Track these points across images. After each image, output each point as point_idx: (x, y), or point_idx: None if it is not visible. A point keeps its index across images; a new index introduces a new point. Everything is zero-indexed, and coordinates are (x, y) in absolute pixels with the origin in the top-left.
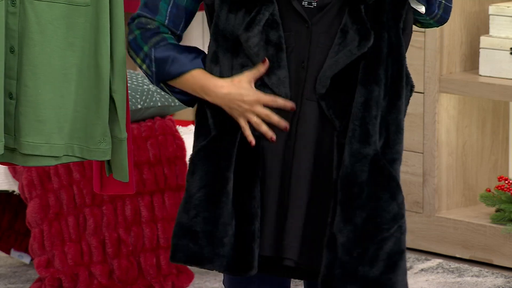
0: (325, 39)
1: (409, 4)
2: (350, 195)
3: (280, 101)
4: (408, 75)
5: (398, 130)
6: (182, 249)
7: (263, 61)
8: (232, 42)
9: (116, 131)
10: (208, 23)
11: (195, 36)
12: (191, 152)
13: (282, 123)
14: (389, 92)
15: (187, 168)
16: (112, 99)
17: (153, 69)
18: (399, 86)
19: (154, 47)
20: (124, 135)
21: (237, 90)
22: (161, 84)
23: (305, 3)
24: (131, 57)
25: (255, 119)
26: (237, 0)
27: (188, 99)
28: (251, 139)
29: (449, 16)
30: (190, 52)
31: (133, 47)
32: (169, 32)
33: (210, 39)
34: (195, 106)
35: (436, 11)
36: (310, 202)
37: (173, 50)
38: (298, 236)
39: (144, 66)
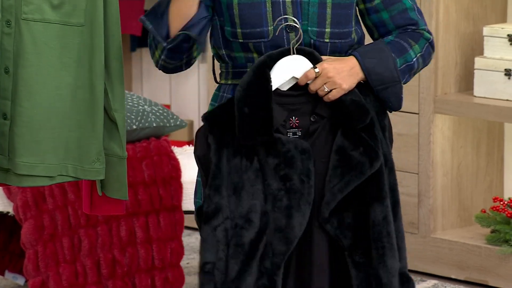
0: (321, 165)
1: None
2: None
3: None
4: None
5: (402, 236)
6: None
7: None
8: (234, 186)
9: (117, 149)
10: (202, 176)
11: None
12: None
13: None
14: (390, 201)
15: (200, 245)
16: (111, 118)
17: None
18: (396, 193)
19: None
20: (125, 153)
21: None
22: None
23: (289, 135)
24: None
25: None
26: (235, 149)
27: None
28: None
29: (431, 58)
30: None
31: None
32: None
33: (208, 190)
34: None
35: (419, 65)
36: None
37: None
38: None
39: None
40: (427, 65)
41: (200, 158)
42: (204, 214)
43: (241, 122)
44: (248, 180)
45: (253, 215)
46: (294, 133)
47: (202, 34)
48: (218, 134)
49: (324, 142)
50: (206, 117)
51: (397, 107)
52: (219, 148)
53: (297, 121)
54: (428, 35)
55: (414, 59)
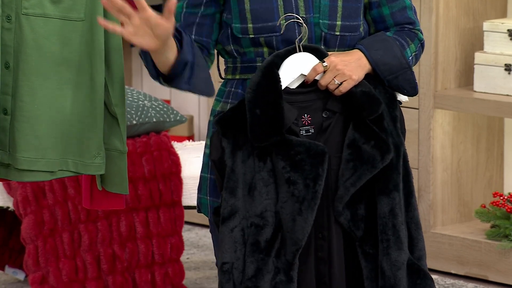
0: (335, 160)
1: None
2: None
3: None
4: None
5: (417, 226)
6: None
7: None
8: (248, 186)
9: (118, 144)
10: (218, 178)
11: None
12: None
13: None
14: (403, 192)
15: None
16: (112, 113)
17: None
18: (409, 184)
19: None
20: (125, 148)
21: None
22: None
23: (302, 132)
24: None
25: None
26: (249, 150)
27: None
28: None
29: (419, 58)
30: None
31: None
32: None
33: (224, 192)
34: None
35: (412, 63)
36: None
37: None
38: None
39: None
40: (415, 65)
41: (215, 162)
42: (221, 216)
43: (253, 124)
44: (262, 180)
45: (268, 214)
46: (307, 131)
47: (192, 83)
48: (232, 137)
49: (338, 138)
50: (217, 121)
51: (412, 93)
52: (233, 151)
53: (309, 119)
54: (421, 36)
55: (410, 58)
